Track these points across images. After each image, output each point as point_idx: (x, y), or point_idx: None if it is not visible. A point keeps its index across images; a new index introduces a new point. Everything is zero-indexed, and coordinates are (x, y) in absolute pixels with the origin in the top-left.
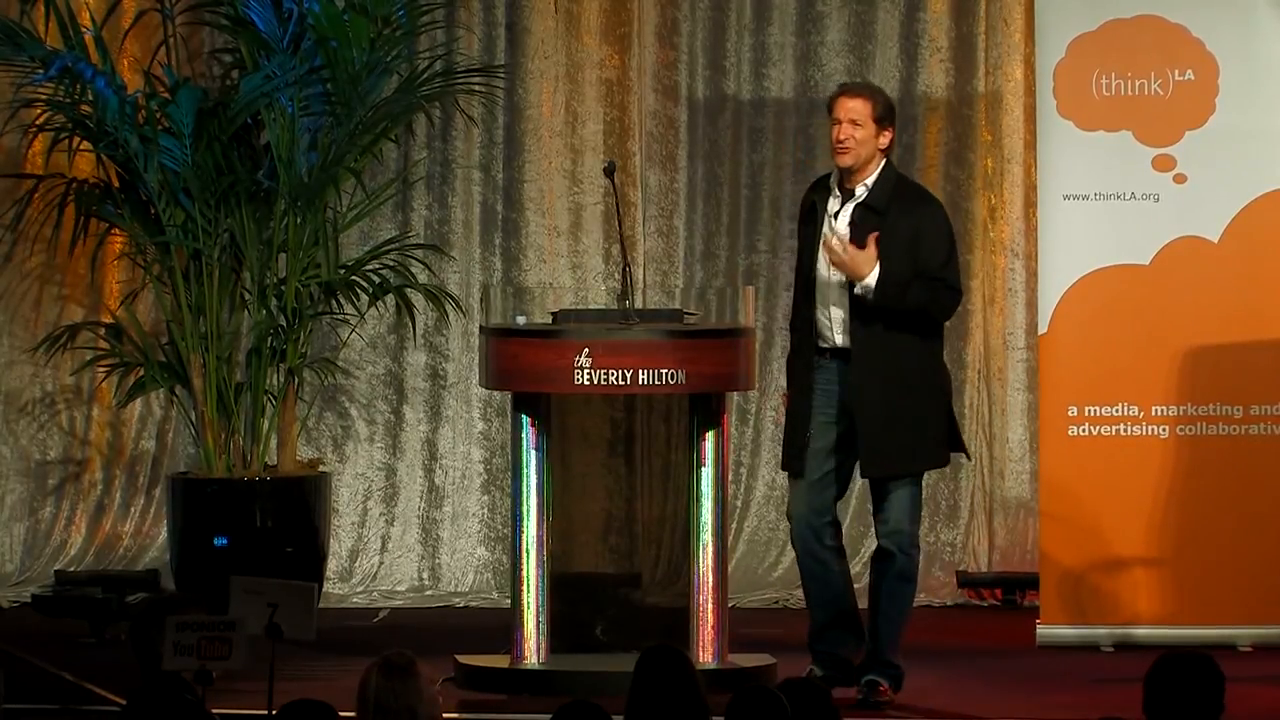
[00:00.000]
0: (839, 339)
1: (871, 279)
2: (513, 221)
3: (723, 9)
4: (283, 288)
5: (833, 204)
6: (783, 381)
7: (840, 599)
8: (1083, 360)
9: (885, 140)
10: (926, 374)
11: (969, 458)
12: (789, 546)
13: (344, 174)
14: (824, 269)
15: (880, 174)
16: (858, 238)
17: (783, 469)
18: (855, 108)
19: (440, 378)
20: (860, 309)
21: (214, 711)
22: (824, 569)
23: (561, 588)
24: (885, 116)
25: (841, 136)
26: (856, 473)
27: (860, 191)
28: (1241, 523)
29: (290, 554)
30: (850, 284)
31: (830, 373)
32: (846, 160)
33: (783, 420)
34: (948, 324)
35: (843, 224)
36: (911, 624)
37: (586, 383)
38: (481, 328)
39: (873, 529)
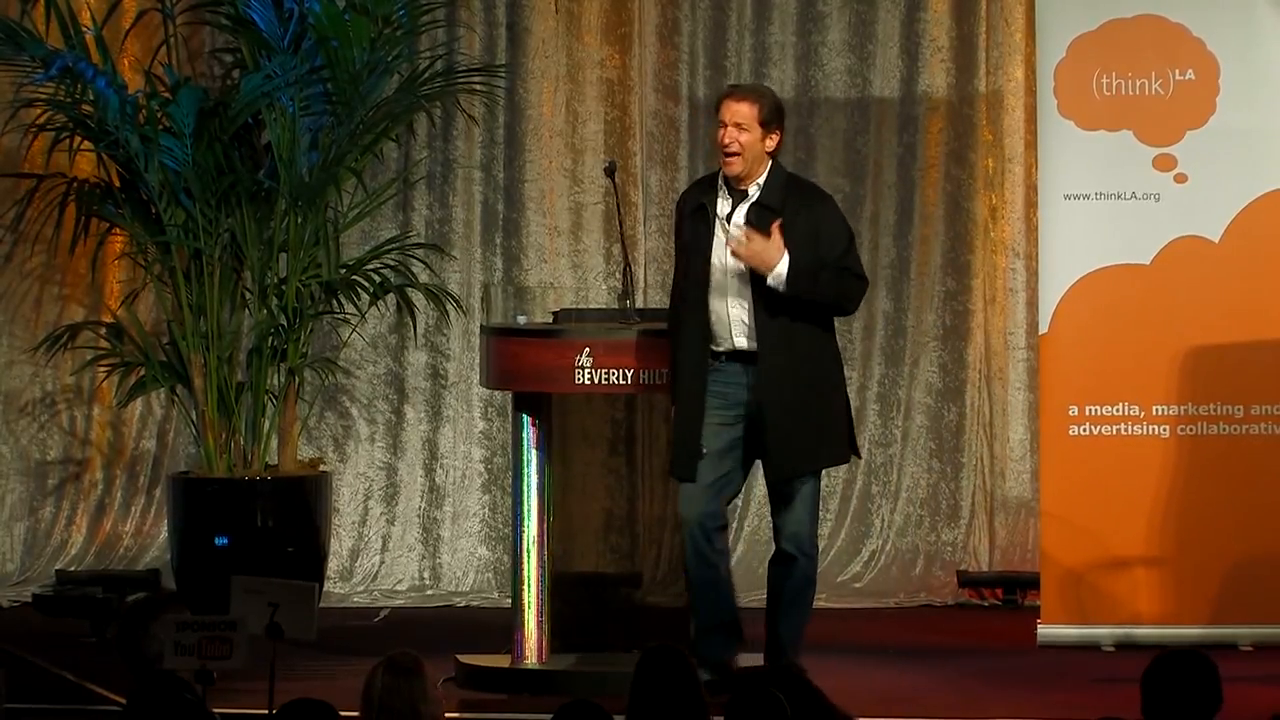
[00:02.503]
0: (739, 341)
1: (782, 267)
2: (513, 221)
3: (723, 9)
4: (283, 287)
5: (723, 205)
6: None
7: (727, 603)
8: (1083, 360)
9: (772, 143)
10: (829, 371)
11: (859, 456)
12: None
13: (345, 173)
14: (721, 269)
15: (770, 174)
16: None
17: (672, 474)
18: (741, 111)
19: (441, 377)
20: (766, 307)
21: (215, 711)
22: (714, 573)
23: (562, 587)
24: (772, 119)
25: (726, 140)
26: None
27: (753, 192)
28: (1242, 522)
29: (291, 553)
30: (753, 282)
31: (726, 375)
32: (735, 168)
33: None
34: (946, 323)
35: (738, 228)
36: (912, 623)
37: (587, 382)
38: (482, 327)
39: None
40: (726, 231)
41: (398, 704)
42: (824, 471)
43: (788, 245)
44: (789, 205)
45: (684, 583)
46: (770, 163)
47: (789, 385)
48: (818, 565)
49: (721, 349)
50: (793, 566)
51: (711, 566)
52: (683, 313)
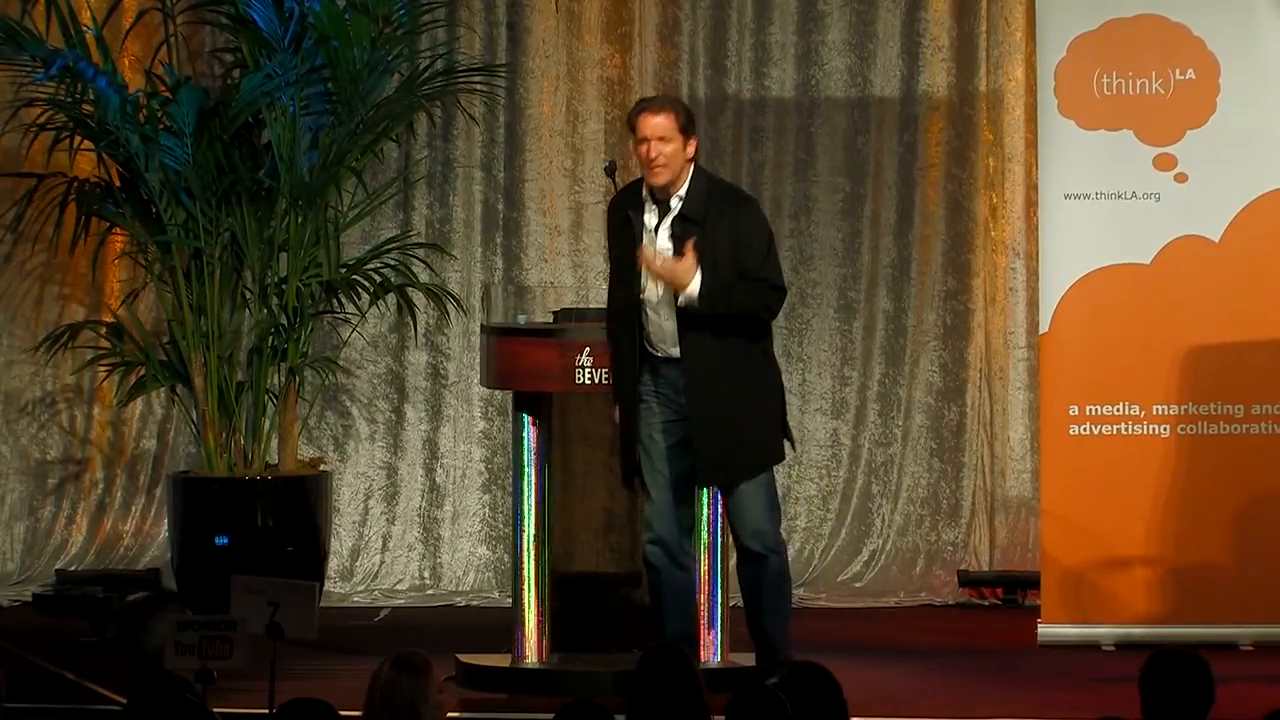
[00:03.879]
0: (672, 350)
1: (693, 288)
2: (514, 221)
3: (724, 8)
4: (284, 287)
5: (649, 218)
6: None
7: (692, 609)
8: (1084, 359)
9: (692, 149)
10: (759, 374)
11: (794, 446)
12: (789, 545)
13: (345, 173)
14: (648, 282)
15: (691, 182)
16: (677, 249)
17: (624, 484)
18: (660, 124)
19: (441, 377)
20: (687, 319)
21: (215, 710)
22: (687, 577)
23: (562, 587)
24: (688, 126)
25: (652, 155)
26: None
27: (675, 204)
28: (1242, 522)
29: (291, 553)
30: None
31: (667, 379)
32: (662, 178)
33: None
34: (946, 323)
35: (663, 238)
36: (913, 623)
37: (587, 382)
38: (483, 327)
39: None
40: (654, 245)
41: (398, 699)
42: (824, 471)
43: (712, 252)
44: (710, 214)
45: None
46: (692, 169)
47: (714, 394)
48: (788, 559)
49: (659, 355)
50: (764, 565)
51: (685, 569)
52: (615, 320)
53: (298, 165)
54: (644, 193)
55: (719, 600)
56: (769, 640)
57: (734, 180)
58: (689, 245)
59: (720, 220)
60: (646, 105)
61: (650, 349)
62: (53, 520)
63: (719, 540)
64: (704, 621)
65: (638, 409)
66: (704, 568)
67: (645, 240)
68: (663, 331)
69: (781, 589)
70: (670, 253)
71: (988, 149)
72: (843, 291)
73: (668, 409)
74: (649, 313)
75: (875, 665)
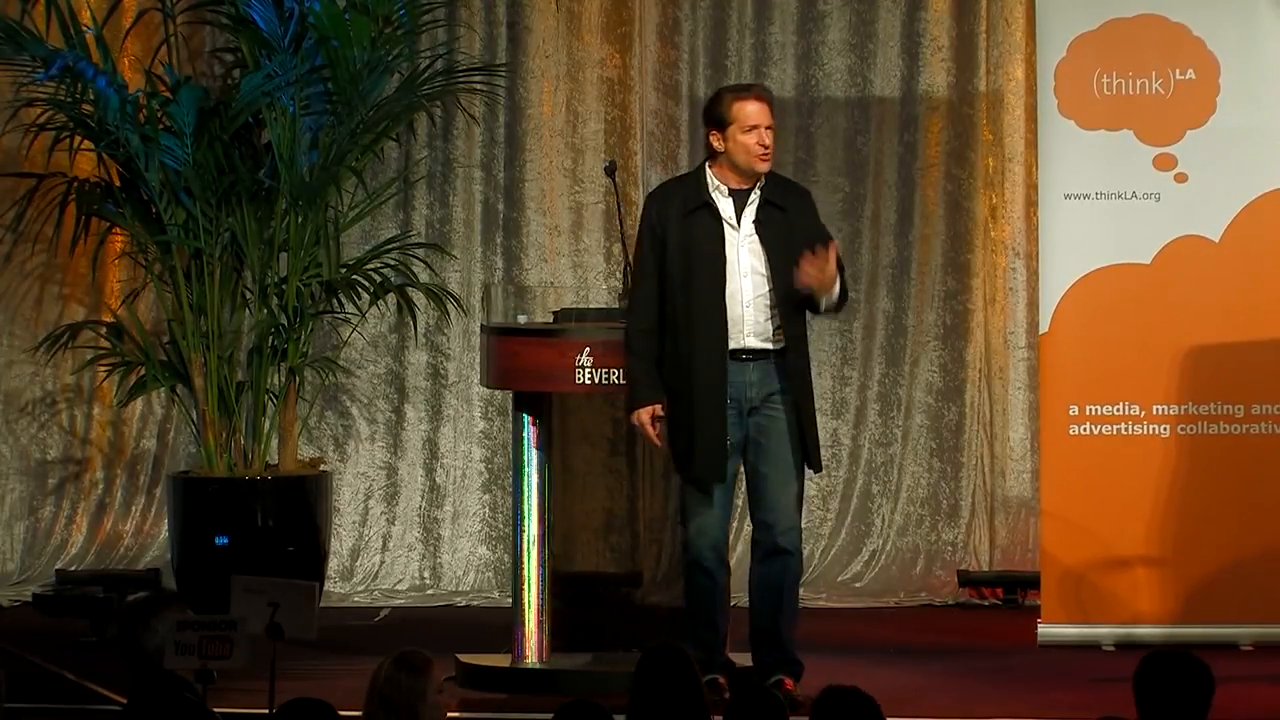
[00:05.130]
0: (749, 340)
1: (835, 290)
2: (514, 220)
3: (724, 8)
4: (284, 287)
5: (726, 208)
6: None
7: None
8: (1084, 359)
9: None
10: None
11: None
12: None
13: (345, 173)
14: (735, 269)
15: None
16: (765, 237)
17: (700, 477)
18: (768, 111)
19: (441, 377)
20: (791, 308)
21: (215, 710)
22: (725, 578)
23: (562, 587)
24: None
25: (767, 142)
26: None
27: (756, 192)
28: (1243, 522)
29: (291, 553)
30: (773, 285)
31: (740, 373)
32: (769, 165)
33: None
34: (946, 323)
35: (747, 226)
36: (913, 623)
37: (588, 382)
38: (483, 327)
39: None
40: (737, 232)
41: (396, 697)
42: (824, 470)
43: (800, 239)
44: (790, 204)
45: (684, 588)
46: None
47: (800, 384)
48: None
49: (738, 347)
50: (788, 563)
51: (727, 569)
52: (691, 313)
53: (298, 165)
54: (708, 182)
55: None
56: (782, 639)
57: None
58: (832, 247)
59: (799, 212)
60: (753, 91)
61: (725, 340)
62: (53, 520)
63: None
64: None
65: (725, 398)
66: None
67: (728, 230)
68: (743, 324)
69: (797, 589)
70: (755, 241)
71: (987, 149)
72: None
73: (733, 409)
74: (728, 303)
75: (875, 665)
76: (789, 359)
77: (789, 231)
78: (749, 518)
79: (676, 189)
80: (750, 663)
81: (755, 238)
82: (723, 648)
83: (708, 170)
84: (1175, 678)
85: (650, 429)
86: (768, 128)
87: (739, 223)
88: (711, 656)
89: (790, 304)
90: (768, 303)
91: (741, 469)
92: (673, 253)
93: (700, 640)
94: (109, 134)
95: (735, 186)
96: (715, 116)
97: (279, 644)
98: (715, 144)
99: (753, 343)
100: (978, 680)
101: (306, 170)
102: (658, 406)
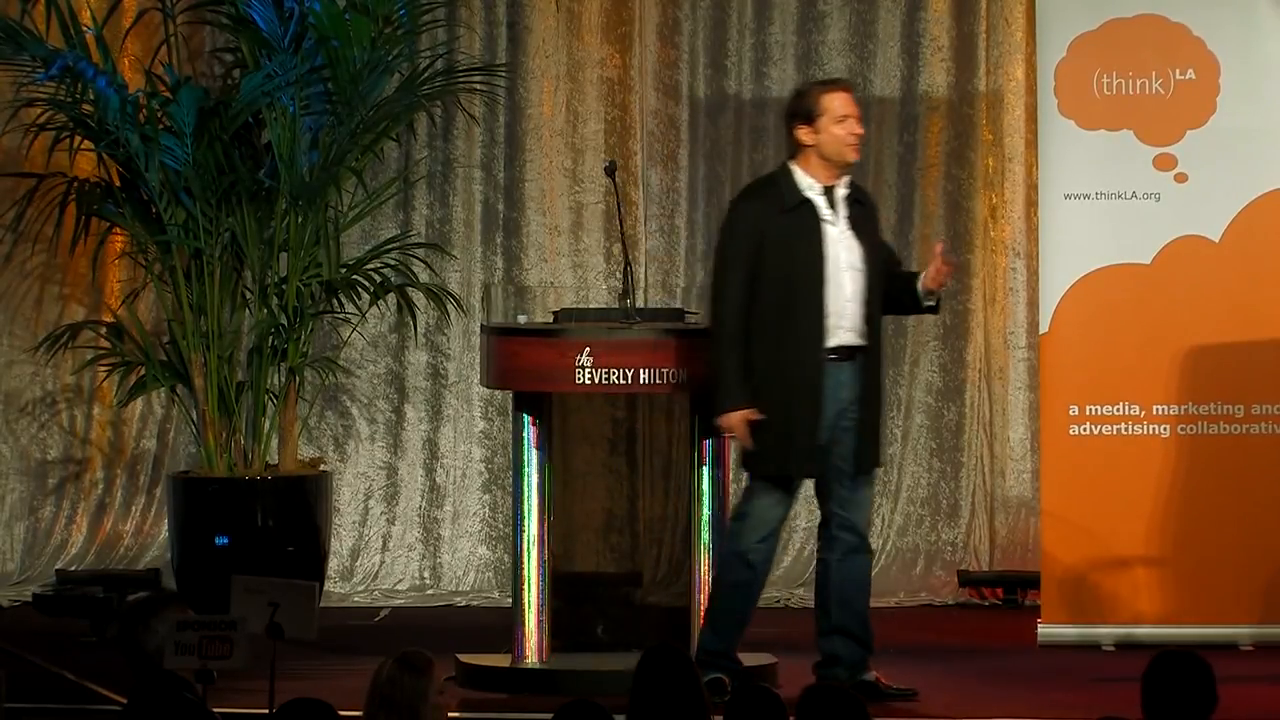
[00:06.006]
0: (845, 336)
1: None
2: (514, 220)
3: (724, 8)
4: (284, 287)
5: (822, 203)
6: None
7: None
8: (1084, 359)
9: None
10: None
11: None
12: (789, 545)
13: (345, 173)
14: (834, 265)
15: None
16: (858, 233)
17: (787, 474)
18: (854, 103)
19: (441, 377)
20: (876, 303)
21: (215, 710)
22: (765, 578)
23: (563, 587)
24: None
25: (858, 131)
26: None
27: (843, 188)
28: (1243, 522)
29: (291, 553)
30: (869, 278)
31: (836, 372)
32: (858, 155)
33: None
34: (946, 323)
35: (842, 221)
36: (912, 623)
37: (588, 382)
38: (483, 327)
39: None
40: (836, 227)
41: (398, 697)
42: None
43: (879, 239)
44: (867, 200)
45: (718, 579)
46: None
47: (879, 383)
48: None
49: (834, 345)
50: (868, 560)
51: (768, 573)
52: (792, 312)
53: (298, 165)
54: (797, 180)
55: None
56: (868, 636)
57: (734, 181)
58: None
59: (873, 204)
60: (840, 83)
61: (823, 338)
62: (53, 520)
63: (723, 540)
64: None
65: (822, 397)
66: (705, 568)
67: (827, 226)
68: (842, 319)
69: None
70: (851, 236)
71: (987, 149)
72: None
73: (827, 408)
74: (834, 302)
75: (875, 665)
76: (870, 357)
77: (874, 227)
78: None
79: (767, 188)
80: (740, 664)
81: (850, 233)
82: (737, 646)
83: (794, 168)
84: (1185, 678)
85: (743, 430)
86: (857, 118)
87: (835, 219)
88: (726, 652)
89: (876, 300)
90: (864, 298)
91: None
92: (771, 251)
93: (722, 634)
94: (109, 134)
95: (825, 182)
96: (803, 111)
97: (279, 644)
98: (805, 138)
99: (849, 339)
100: (978, 680)
101: (306, 170)
102: (752, 410)
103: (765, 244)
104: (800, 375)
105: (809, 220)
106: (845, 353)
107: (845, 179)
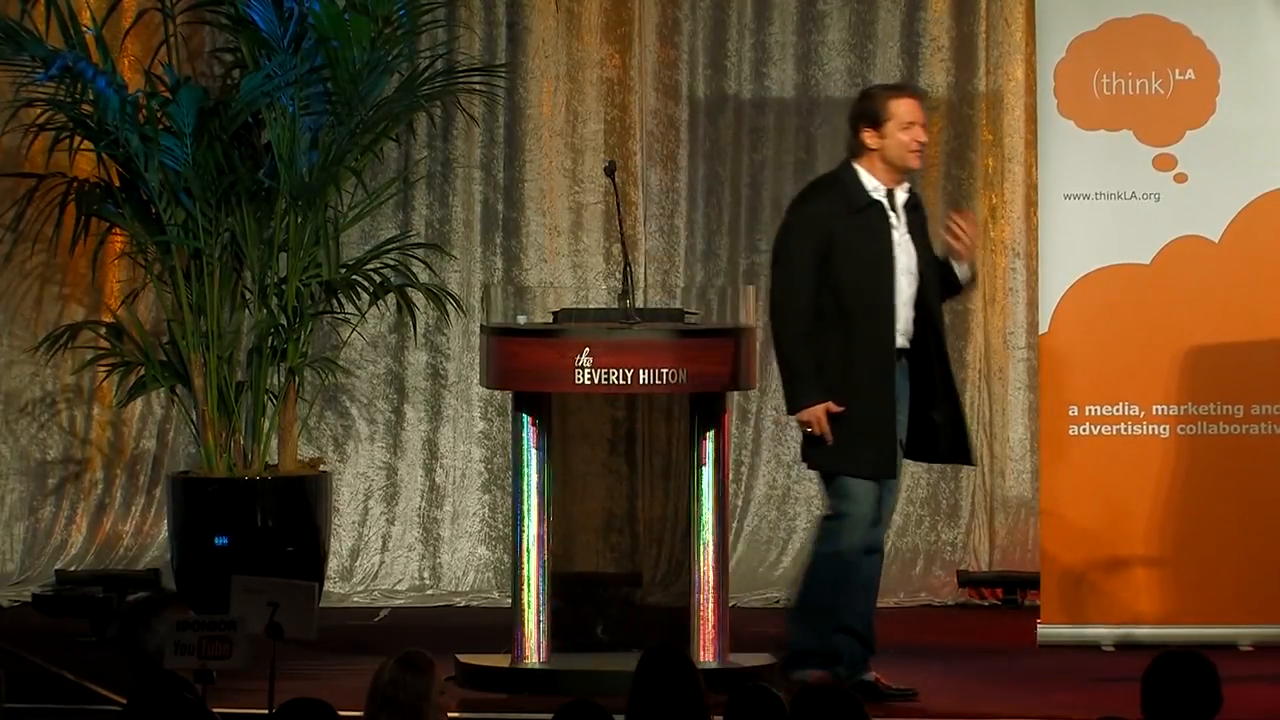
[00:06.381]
0: (900, 339)
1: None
2: (513, 221)
3: (724, 8)
4: (283, 287)
5: (886, 206)
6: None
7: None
8: (1083, 360)
9: None
10: None
11: None
12: (789, 545)
13: (345, 173)
14: (899, 272)
15: None
16: (915, 237)
17: (875, 476)
18: (921, 110)
19: (441, 377)
20: (921, 310)
21: (215, 710)
22: (872, 577)
23: (562, 587)
24: None
25: (922, 138)
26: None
27: (902, 192)
28: (1242, 522)
29: (291, 553)
30: (918, 284)
31: (902, 372)
32: (920, 162)
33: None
34: (948, 323)
35: (902, 225)
36: (912, 623)
37: (587, 382)
38: (482, 327)
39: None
40: (900, 231)
41: (401, 698)
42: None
43: (929, 242)
44: (922, 204)
45: (825, 586)
46: None
47: (932, 379)
48: None
49: (900, 345)
50: (881, 559)
51: (874, 568)
52: (861, 311)
53: (297, 165)
54: (863, 183)
55: (722, 600)
56: (872, 629)
57: (734, 181)
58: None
59: (925, 208)
60: (908, 89)
61: (892, 338)
62: (52, 520)
63: (723, 540)
64: (706, 621)
65: (894, 401)
66: (705, 568)
67: (892, 229)
68: (898, 322)
69: None
70: (909, 240)
71: (987, 149)
72: None
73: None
74: (898, 299)
75: (875, 665)
76: (912, 358)
77: (927, 231)
78: (745, 520)
79: (832, 187)
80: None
81: (909, 236)
82: (848, 650)
83: (858, 168)
84: (1188, 678)
85: (824, 424)
86: (922, 125)
87: (898, 223)
88: (864, 654)
89: (927, 304)
90: (914, 302)
91: None
92: (840, 251)
93: (813, 632)
94: (109, 134)
95: (887, 185)
96: (870, 114)
97: (278, 644)
98: (869, 141)
99: (900, 341)
100: (977, 680)
101: (306, 170)
102: (830, 403)
103: (833, 244)
104: (876, 375)
105: (878, 222)
106: (898, 354)
107: (905, 184)
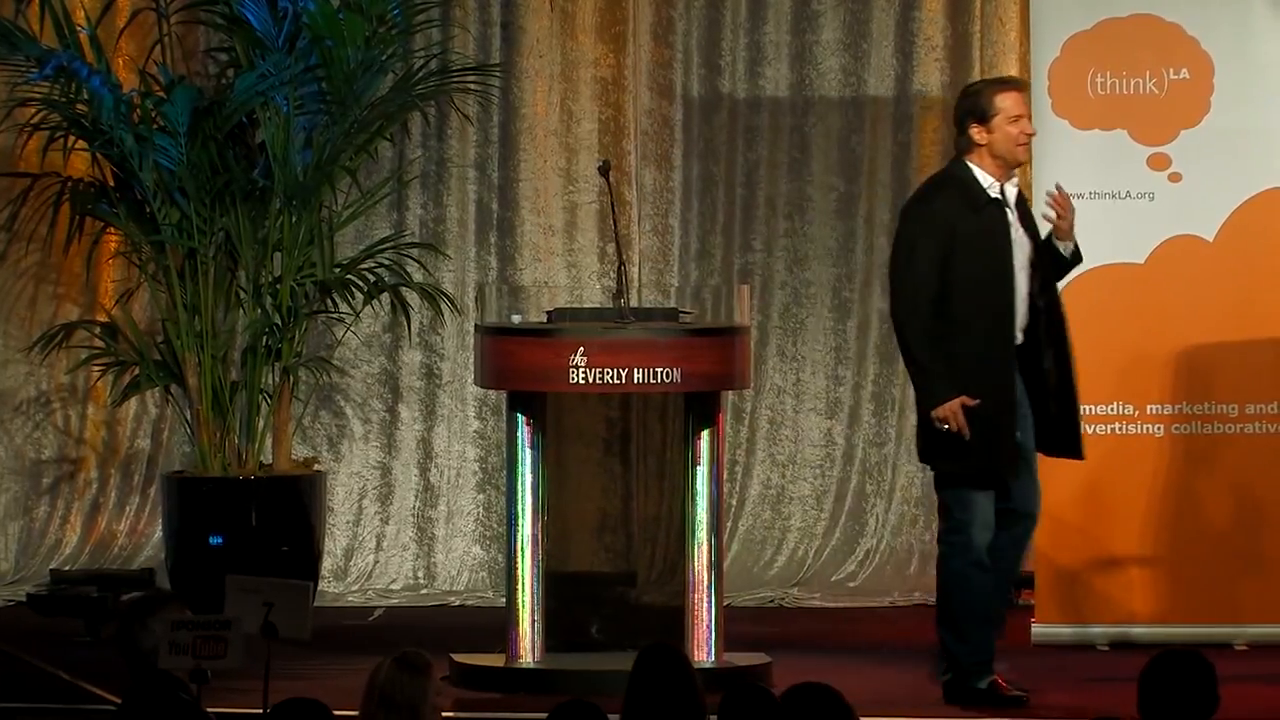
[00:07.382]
0: (1018, 334)
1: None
2: (508, 220)
3: (718, 7)
4: (278, 286)
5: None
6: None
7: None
8: (1078, 359)
9: None
10: None
11: None
12: (784, 545)
13: (339, 172)
14: (1017, 268)
15: None
16: (1027, 232)
17: (995, 486)
18: (1026, 103)
19: (435, 376)
20: (1048, 293)
21: (209, 710)
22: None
23: (557, 586)
24: None
25: (1030, 131)
26: None
27: (1010, 189)
28: (1236, 521)
29: (285, 553)
30: (1032, 280)
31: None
32: (1029, 157)
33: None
34: None
35: (1018, 219)
36: (908, 622)
37: (582, 381)
38: (477, 326)
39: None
40: (1014, 228)
41: (398, 697)
42: (819, 470)
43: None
44: (1023, 199)
45: (955, 590)
46: None
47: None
48: None
49: (1016, 342)
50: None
51: (988, 572)
52: (985, 310)
53: (292, 165)
54: (979, 180)
55: (716, 599)
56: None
57: (728, 180)
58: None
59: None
60: (1012, 83)
61: (1011, 334)
62: (47, 520)
63: (718, 539)
64: (701, 620)
65: (1015, 401)
66: (700, 567)
67: (1011, 225)
68: (1018, 313)
69: None
70: (1024, 236)
71: None
72: (837, 291)
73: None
74: (1015, 295)
75: (870, 665)
76: (1023, 354)
77: (1034, 221)
78: (740, 520)
79: (950, 185)
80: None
81: (1023, 231)
82: (987, 649)
83: (972, 166)
84: (1186, 677)
85: (961, 419)
86: (1029, 117)
87: (1014, 219)
88: (990, 657)
89: (1041, 297)
90: (1028, 297)
91: None
92: (964, 249)
93: (975, 642)
94: (103, 134)
95: (999, 181)
96: (977, 110)
97: (273, 644)
98: (977, 137)
99: (1018, 337)
100: None
101: (300, 170)
102: (965, 397)
103: (956, 242)
104: (997, 375)
105: (999, 220)
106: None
107: (1014, 178)
